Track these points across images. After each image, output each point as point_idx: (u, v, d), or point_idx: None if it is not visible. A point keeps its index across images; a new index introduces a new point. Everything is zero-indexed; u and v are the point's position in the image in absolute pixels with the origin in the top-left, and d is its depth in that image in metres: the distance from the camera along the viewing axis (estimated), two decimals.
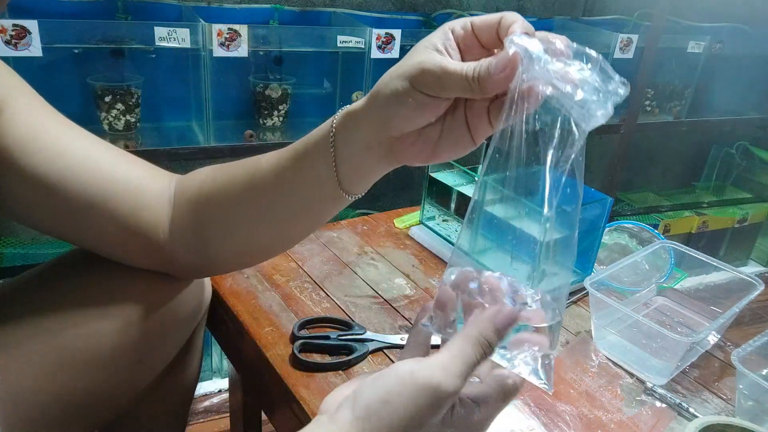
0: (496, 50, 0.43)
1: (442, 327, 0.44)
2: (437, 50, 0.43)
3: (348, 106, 0.48)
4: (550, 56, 0.39)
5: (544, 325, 0.42)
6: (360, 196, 0.52)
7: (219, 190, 0.55)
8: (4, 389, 0.55)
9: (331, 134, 0.48)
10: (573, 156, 0.39)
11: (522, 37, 0.39)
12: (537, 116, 0.40)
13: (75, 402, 0.60)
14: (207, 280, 0.73)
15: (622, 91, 0.39)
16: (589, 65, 0.39)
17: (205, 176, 0.57)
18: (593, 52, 0.39)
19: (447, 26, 0.44)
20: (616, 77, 0.39)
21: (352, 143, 0.47)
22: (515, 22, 0.41)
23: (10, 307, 0.59)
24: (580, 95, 0.38)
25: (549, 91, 0.38)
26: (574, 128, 0.39)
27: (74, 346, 0.58)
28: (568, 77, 0.38)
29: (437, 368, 0.39)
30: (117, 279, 0.61)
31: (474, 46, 0.44)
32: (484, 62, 0.40)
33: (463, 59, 0.44)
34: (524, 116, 0.40)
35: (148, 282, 0.63)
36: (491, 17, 0.42)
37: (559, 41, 0.40)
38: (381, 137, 0.46)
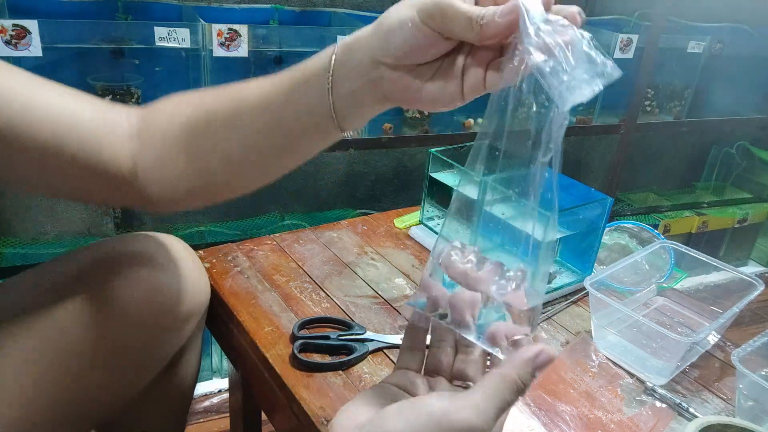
0: None
1: (429, 310, 0.44)
2: None
3: (348, 36, 0.47)
4: (548, 21, 0.39)
5: (525, 309, 0.42)
6: (350, 135, 0.50)
7: (200, 122, 0.53)
8: (2, 390, 0.55)
9: (331, 65, 0.46)
10: (560, 139, 0.39)
11: None
12: (528, 89, 0.40)
13: (75, 403, 0.60)
14: (206, 282, 0.73)
15: (615, 73, 0.39)
16: (584, 40, 0.39)
17: (179, 107, 0.55)
18: (586, 33, 0.39)
19: None
20: (609, 60, 0.39)
21: (349, 71, 0.46)
22: None
23: (8, 308, 0.59)
24: (570, 63, 0.38)
25: (540, 57, 0.38)
26: (559, 103, 0.39)
27: (74, 347, 0.59)
28: (558, 39, 0.38)
29: (472, 411, 0.37)
30: (116, 279, 0.61)
31: None
32: (491, 9, 0.40)
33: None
34: (519, 82, 0.40)
35: (148, 283, 0.63)
36: None
37: (566, 10, 0.40)
38: (377, 60, 0.44)
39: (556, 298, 0.84)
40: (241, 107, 0.50)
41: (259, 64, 1.41)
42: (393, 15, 0.43)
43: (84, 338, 0.59)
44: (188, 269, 0.69)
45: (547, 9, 0.40)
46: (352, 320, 0.74)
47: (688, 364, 0.74)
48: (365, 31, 0.45)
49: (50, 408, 0.58)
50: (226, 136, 0.51)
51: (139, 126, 0.55)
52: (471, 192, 0.48)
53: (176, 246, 0.70)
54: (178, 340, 0.70)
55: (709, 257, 0.83)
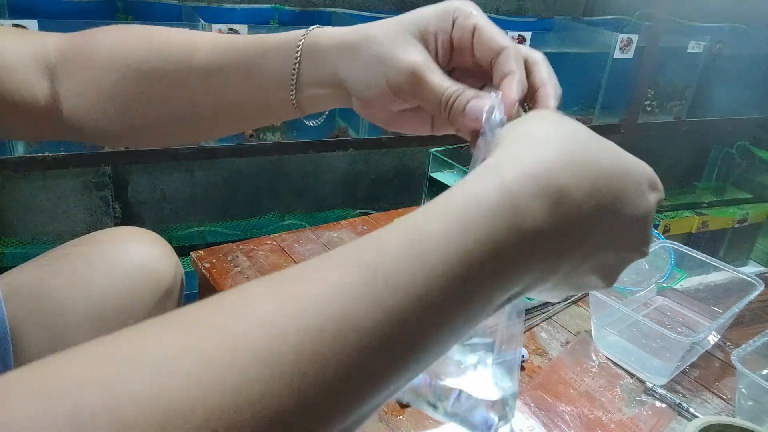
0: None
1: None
2: (426, 42, 0.39)
3: (314, 32, 0.42)
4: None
5: (497, 398, 0.40)
6: (317, 123, 0.48)
7: (145, 69, 0.47)
8: (21, 356, 0.59)
9: (295, 62, 0.42)
10: None
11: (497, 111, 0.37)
12: None
13: None
14: (175, 262, 0.75)
15: None
16: None
17: (124, 45, 0.49)
18: None
19: (451, 10, 0.39)
20: None
21: (315, 75, 0.43)
22: (512, 73, 0.37)
23: (26, 285, 0.63)
24: None
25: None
26: None
27: (79, 311, 0.61)
28: None
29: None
30: (104, 246, 0.66)
31: (467, 50, 0.40)
32: (465, 96, 0.38)
33: (451, 58, 0.40)
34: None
35: (135, 252, 0.68)
36: (493, 42, 0.38)
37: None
38: (344, 91, 0.42)
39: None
40: (192, 64, 0.46)
41: None
42: (365, 65, 0.40)
43: (86, 306, 0.63)
44: (162, 250, 0.72)
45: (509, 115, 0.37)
46: None
47: (688, 364, 0.74)
48: (331, 46, 0.41)
49: None
50: (171, 89, 0.47)
51: (65, 52, 0.49)
52: None
53: (150, 234, 0.73)
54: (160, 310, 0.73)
55: (709, 257, 0.83)
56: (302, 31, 0.43)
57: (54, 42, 0.50)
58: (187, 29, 0.48)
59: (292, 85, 0.43)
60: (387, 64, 0.39)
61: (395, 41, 0.39)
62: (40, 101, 0.49)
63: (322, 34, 0.42)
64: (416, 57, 0.39)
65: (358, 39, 0.40)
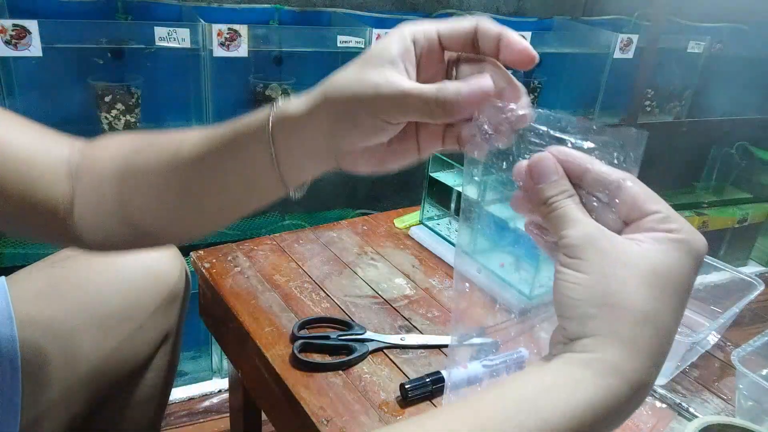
0: (458, 64, 0.40)
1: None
2: (394, 64, 0.38)
3: (281, 106, 0.42)
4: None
5: None
6: (300, 193, 0.48)
7: (137, 170, 0.49)
8: (28, 354, 0.62)
9: (270, 136, 0.42)
10: None
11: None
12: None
13: (88, 364, 0.67)
14: (182, 264, 0.77)
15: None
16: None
17: (119, 149, 0.51)
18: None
19: (408, 34, 0.39)
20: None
21: (296, 149, 0.42)
22: (506, 36, 0.38)
23: (35, 286, 0.66)
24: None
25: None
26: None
27: (86, 312, 0.61)
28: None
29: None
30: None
31: (435, 59, 0.40)
32: (450, 85, 0.37)
33: (419, 74, 0.40)
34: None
35: (146, 258, 0.71)
36: (461, 25, 0.39)
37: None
38: (329, 148, 0.42)
39: None
40: (180, 153, 0.47)
41: (259, 64, 1.41)
42: (337, 105, 0.39)
43: (97, 303, 0.66)
44: (169, 252, 0.76)
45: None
46: (352, 320, 0.74)
47: (688, 364, 0.74)
48: (300, 112, 0.41)
49: (66, 370, 0.65)
50: (156, 186, 0.48)
51: (79, 162, 0.51)
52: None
53: None
54: (167, 319, 0.75)
55: (709, 257, 0.83)
56: (269, 106, 0.43)
57: (78, 149, 0.52)
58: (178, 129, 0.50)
59: (273, 159, 0.43)
60: (364, 91, 0.38)
61: (365, 69, 0.38)
62: (59, 209, 0.50)
63: (289, 104, 0.42)
64: (390, 73, 0.38)
65: (326, 89, 0.40)
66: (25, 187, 0.49)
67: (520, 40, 0.38)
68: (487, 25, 0.38)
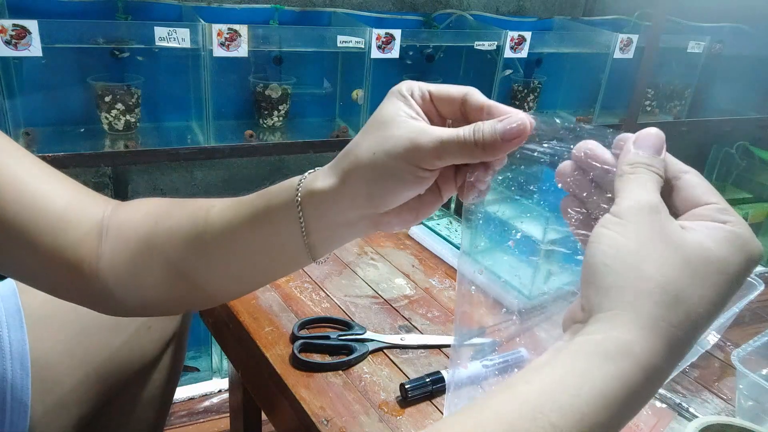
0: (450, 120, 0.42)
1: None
2: (415, 117, 0.40)
3: (308, 180, 0.43)
4: None
5: None
6: (326, 259, 0.47)
7: (161, 238, 0.49)
8: (37, 354, 0.62)
9: (299, 211, 0.43)
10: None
11: None
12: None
13: (96, 364, 0.67)
14: None
15: None
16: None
17: (146, 218, 0.51)
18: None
19: (405, 91, 0.41)
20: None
21: (327, 221, 0.43)
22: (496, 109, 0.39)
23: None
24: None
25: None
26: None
27: (95, 313, 0.61)
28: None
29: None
30: None
31: (431, 113, 0.41)
32: (484, 125, 0.38)
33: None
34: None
35: None
36: (451, 91, 0.40)
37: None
38: (366, 214, 0.42)
39: (557, 298, 0.84)
40: (209, 219, 0.47)
41: (259, 64, 1.41)
42: (370, 169, 0.40)
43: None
44: None
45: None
46: (352, 320, 0.74)
47: (688, 364, 0.74)
48: (328, 186, 0.42)
49: (77, 370, 0.65)
50: (186, 256, 0.48)
51: (110, 222, 0.51)
52: None
53: None
54: (174, 320, 0.75)
55: None
56: (296, 179, 0.44)
57: (111, 208, 0.52)
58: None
59: (300, 222, 0.43)
60: (399, 145, 0.39)
61: (389, 128, 0.39)
62: (84, 267, 0.50)
63: (315, 179, 0.42)
64: (420, 124, 0.39)
65: (354, 158, 0.41)
66: (56, 243, 0.48)
67: (507, 111, 0.39)
68: (475, 96, 0.40)
